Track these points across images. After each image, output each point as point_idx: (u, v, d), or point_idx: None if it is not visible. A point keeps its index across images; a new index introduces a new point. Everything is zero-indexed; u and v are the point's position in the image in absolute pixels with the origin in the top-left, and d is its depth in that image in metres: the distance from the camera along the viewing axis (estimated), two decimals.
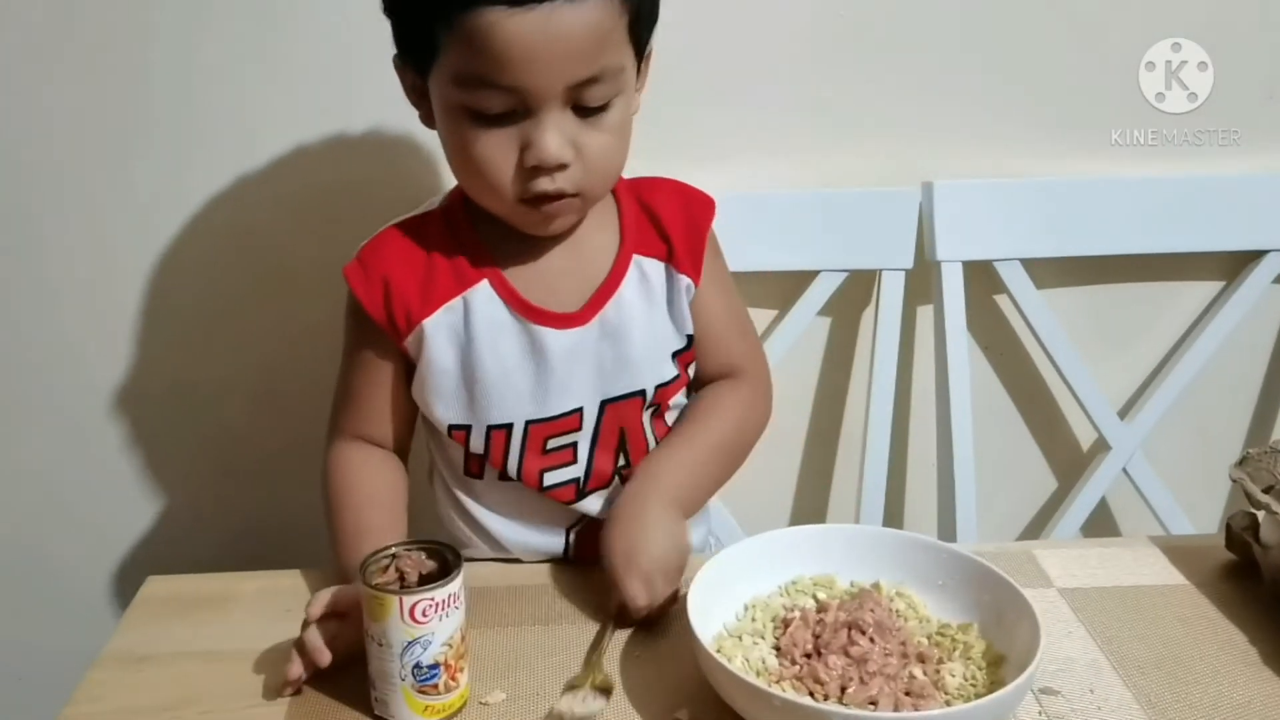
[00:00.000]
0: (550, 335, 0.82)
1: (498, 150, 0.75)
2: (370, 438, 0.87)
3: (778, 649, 0.74)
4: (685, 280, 0.86)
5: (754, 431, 0.92)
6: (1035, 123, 1.14)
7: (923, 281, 1.15)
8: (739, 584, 0.79)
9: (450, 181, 1.03)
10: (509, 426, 0.83)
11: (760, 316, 1.15)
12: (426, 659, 0.67)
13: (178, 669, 0.77)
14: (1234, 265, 1.20)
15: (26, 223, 1.09)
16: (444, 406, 0.83)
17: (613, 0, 0.72)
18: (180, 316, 1.13)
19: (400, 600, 0.66)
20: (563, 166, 0.75)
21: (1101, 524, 1.28)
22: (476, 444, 0.84)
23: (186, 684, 0.75)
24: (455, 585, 0.68)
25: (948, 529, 1.17)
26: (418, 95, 0.80)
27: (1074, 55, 1.12)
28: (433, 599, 0.67)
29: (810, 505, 1.27)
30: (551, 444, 0.84)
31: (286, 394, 1.17)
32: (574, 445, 0.85)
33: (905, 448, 1.25)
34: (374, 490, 0.85)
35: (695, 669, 0.70)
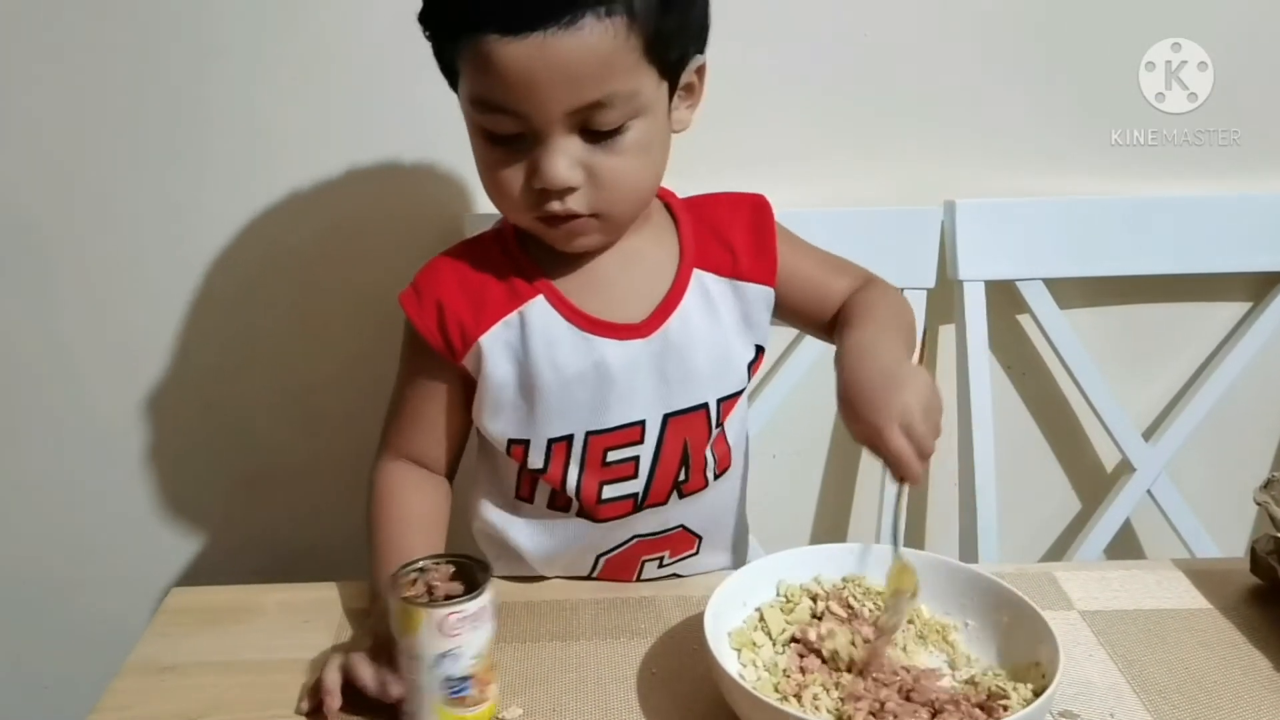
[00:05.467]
0: (610, 346, 0.82)
1: (511, 171, 0.76)
2: (418, 458, 0.87)
3: (794, 639, 0.75)
4: (758, 289, 0.85)
5: (902, 303, 0.89)
6: (1037, 126, 1.14)
7: (945, 301, 1.16)
8: (756, 602, 0.79)
9: (482, 205, 1.06)
10: (569, 438, 0.83)
11: (782, 335, 1.16)
12: (457, 671, 0.68)
13: (201, 679, 0.78)
14: (1260, 286, 1.19)
15: (61, 241, 1.11)
16: (503, 421, 0.83)
17: (617, 26, 0.71)
18: (212, 336, 1.15)
19: (433, 613, 0.67)
20: (570, 190, 0.75)
21: (1125, 546, 1.27)
22: (535, 459, 0.83)
23: (209, 694, 0.76)
24: (485, 598, 0.69)
25: (969, 549, 1.16)
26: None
27: (1074, 56, 1.12)
28: (464, 612, 0.67)
29: (831, 524, 1.27)
30: (612, 456, 0.83)
31: (313, 411, 1.18)
32: (635, 459, 0.84)
33: (927, 468, 1.24)
34: (415, 511, 0.85)
35: (712, 688, 0.70)
